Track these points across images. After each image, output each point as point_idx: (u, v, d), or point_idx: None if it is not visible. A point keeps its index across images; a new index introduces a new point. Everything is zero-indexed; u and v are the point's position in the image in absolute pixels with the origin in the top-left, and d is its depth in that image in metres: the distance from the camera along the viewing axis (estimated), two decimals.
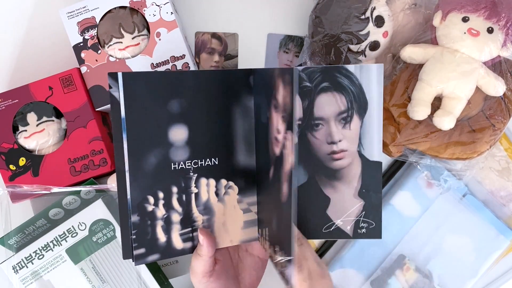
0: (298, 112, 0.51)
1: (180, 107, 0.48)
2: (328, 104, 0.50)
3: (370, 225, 0.52)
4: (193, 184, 0.49)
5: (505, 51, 0.53)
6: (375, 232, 0.52)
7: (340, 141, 0.51)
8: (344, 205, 0.52)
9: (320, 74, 0.51)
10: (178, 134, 0.48)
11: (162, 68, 0.59)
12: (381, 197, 0.52)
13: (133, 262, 0.48)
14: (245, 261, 0.54)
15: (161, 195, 0.48)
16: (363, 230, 0.53)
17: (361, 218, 0.53)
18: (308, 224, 0.53)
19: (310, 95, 0.51)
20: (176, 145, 0.48)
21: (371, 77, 0.50)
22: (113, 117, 0.46)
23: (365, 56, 0.56)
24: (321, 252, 0.64)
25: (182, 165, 0.49)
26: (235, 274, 0.52)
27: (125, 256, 0.49)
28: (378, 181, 0.52)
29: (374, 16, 0.55)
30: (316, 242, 0.66)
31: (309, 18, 0.59)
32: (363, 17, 0.55)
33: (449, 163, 0.59)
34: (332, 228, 0.53)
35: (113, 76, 0.46)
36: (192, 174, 0.49)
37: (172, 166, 0.48)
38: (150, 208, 0.48)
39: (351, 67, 0.50)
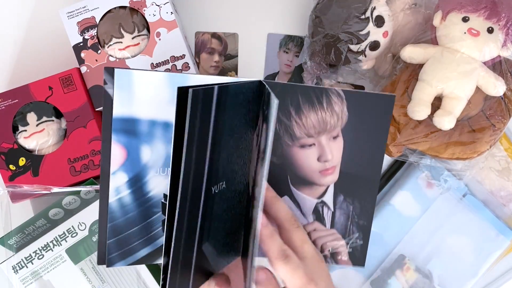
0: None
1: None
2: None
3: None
4: None
5: (505, 51, 0.53)
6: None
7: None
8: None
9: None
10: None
11: (162, 68, 0.59)
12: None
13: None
14: None
15: None
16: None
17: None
18: None
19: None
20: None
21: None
22: (104, 115, 0.45)
23: (365, 56, 0.56)
24: None
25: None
26: None
27: (100, 261, 0.46)
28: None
29: (374, 16, 0.55)
30: None
31: (309, 18, 0.59)
32: (363, 17, 0.55)
33: (449, 163, 0.59)
34: None
35: (109, 71, 0.44)
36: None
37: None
38: None
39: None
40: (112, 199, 0.46)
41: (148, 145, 0.46)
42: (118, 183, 0.46)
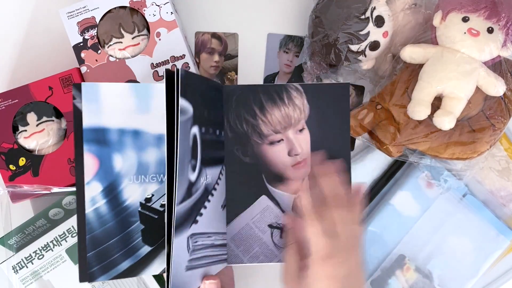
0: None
1: None
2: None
3: None
4: None
5: (505, 51, 0.53)
6: None
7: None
8: None
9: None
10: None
11: (162, 69, 0.59)
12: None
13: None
14: None
15: None
16: None
17: None
18: None
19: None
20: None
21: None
22: (74, 128, 0.47)
23: (365, 56, 0.56)
24: None
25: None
26: None
27: (82, 278, 0.47)
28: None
29: (374, 16, 0.55)
30: None
31: (309, 18, 0.59)
32: (363, 17, 0.55)
33: (449, 163, 0.59)
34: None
35: (76, 87, 0.47)
36: None
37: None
38: None
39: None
40: (89, 209, 0.46)
41: (120, 154, 0.47)
42: (93, 193, 0.47)
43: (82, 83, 0.46)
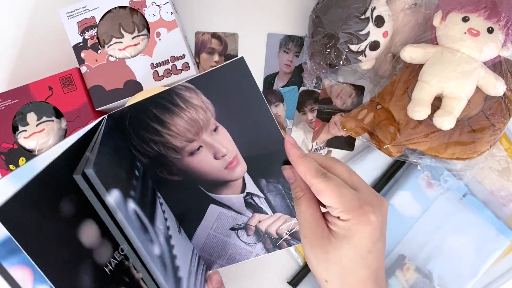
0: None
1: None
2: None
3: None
4: None
5: (505, 51, 0.53)
6: None
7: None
8: None
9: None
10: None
11: (162, 69, 0.59)
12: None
13: None
14: None
15: None
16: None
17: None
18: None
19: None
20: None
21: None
22: None
23: (365, 56, 0.56)
24: None
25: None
26: None
27: None
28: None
29: (374, 16, 0.55)
30: None
31: (309, 18, 0.59)
32: (363, 17, 0.55)
33: (449, 163, 0.59)
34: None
35: None
36: None
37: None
38: None
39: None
40: None
41: None
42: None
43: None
